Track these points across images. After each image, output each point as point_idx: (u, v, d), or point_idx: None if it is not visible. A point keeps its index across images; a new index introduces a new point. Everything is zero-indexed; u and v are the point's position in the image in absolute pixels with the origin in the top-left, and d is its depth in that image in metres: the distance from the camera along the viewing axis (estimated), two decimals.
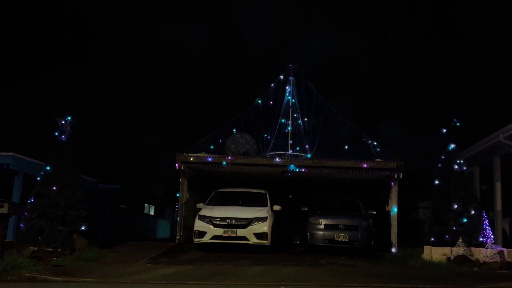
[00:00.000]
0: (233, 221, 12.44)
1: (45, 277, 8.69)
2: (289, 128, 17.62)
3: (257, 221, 12.54)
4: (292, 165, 15.01)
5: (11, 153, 14.17)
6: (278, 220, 14.75)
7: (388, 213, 15.32)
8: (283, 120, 17.67)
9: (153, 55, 49.36)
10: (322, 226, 13.25)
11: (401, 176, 14.71)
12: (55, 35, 44.81)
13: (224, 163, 14.91)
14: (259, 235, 12.43)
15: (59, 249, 11.33)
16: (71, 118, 12.64)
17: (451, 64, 47.95)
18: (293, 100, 17.96)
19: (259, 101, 17.44)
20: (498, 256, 11.23)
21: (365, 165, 14.76)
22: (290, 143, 17.45)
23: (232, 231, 12.34)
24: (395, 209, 14.79)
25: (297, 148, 17.41)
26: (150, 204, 26.34)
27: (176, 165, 14.94)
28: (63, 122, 12.56)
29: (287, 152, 17.20)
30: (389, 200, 15.37)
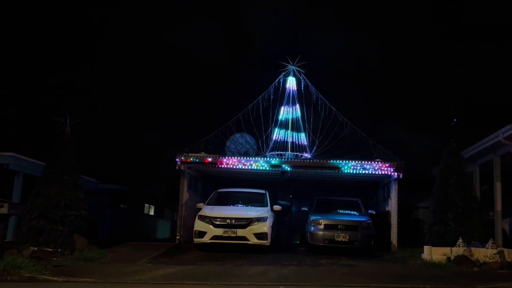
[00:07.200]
0: (233, 221, 12.43)
1: (45, 277, 8.69)
2: (289, 127, 17.64)
3: (257, 221, 12.53)
4: (291, 165, 15.00)
5: (11, 153, 14.14)
6: (278, 220, 14.75)
7: (388, 213, 15.32)
8: (283, 120, 17.69)
9: (152, 54, 49.31)
10: (322, 226, 13.26)
11: (401, 176, 14.74)
12: (55, 34, 44.76)
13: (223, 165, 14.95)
14: (259, 235, 12.43)
15: (59, 249, 11.32)
16: (70, 118, 12.65)
17: (454, 63, 47.78)
18: (294, 100, 17.98)
19: (260, 100, 17.47)
20: (498, 256, 11.23)
21: (365, 165, 14.78)
22: (290, 143, 17.46)
23: (232, 231, 12.33)
24: (395, 209, 14.79)
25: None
26: (150, 204, 26.30)
27: (176, 165, 14.97)
28: (62, 121, 12.57)
29: (287, 152, 17.23)
30: (389, 200, 15.39)
